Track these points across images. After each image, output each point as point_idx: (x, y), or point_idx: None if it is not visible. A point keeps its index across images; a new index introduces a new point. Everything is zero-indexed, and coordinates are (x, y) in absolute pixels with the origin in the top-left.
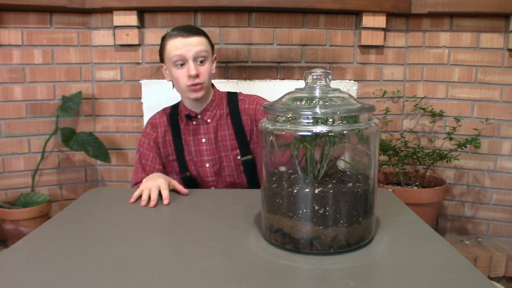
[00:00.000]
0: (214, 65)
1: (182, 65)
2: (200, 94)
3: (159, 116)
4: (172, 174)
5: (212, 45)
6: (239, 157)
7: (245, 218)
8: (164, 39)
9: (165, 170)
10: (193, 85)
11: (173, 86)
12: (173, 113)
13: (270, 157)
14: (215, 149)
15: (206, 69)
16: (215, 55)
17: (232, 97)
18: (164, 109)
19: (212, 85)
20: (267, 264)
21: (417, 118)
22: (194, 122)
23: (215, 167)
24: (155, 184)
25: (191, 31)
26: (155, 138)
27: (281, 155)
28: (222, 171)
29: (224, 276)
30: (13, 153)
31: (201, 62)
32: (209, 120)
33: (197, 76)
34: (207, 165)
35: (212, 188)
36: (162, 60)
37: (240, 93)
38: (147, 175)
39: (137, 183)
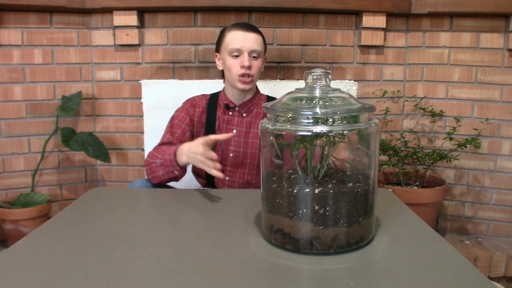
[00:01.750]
0: (264, 64)
1: (237, 56)
2: (248, 86)
3: (198, 99)
4: None
5: (265, 45)
6: None
7: (245, 218)
8: (224, 31)
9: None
10: (244, 76)
11: (222, 75)
12: (212, 99)
13: (270, 157)
14: (243, 143)
15: (258, 63)
16: (265, 56)
17: (271, 100)
18: (203, 95)
19: (256, 86)
20: (267, 264)
21: (417, 118)
22: (230, 113)
23: (237, 159)
24: (196, 154)
25: (251, 27)
26: (191, 115)
27: (281, 155)
28: (242, 166)
29: (224, 276)
30: (13, 153)
31: (254, 57)
32: (244, 114)
33: (249, 67)
34: (231, 154)
35: (227, 177)
36: (217, 50)
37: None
38: (174, 139)
39: (162, 144)
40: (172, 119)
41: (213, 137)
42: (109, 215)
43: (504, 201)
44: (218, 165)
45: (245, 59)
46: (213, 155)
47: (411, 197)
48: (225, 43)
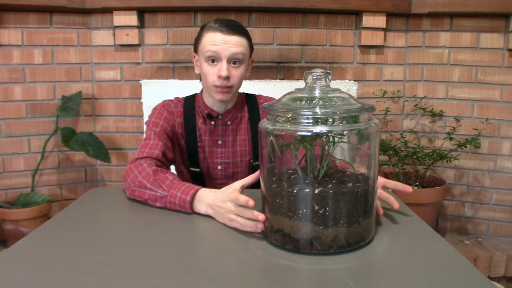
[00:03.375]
0: (249, 68)
1: (214, 61)
2: (225, 97)
3: (174, 105)
4: (181, 166)
5: (251, 48)
6: (251, 161)
7: None
8: (202, 29)
9: (173, 160)
10: (221, 86)
11: (200, 79)
12: (189, 105)
13: (270, 157)
14: (231, 153)
15: (238, 73)
16: (252, 59)
17: (252, 100)
18: (178, 99)
19: None
20: (267, 264)
21: (417, 118)
22: (213, 122)
23: (227, 171)
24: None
25: (233, 28)
26: (172, 125)
27: (281, 155)
28: (233, 176)
29: (224, 276)
30: (13, 153)
31: (235, 63)
32: (229, 123)
33: (227, 78)
34: (219, 167)
35: None
36: (195, 50)
37: (260, 95)
38: (163, 155)
39: (155, 160)
40: (152, 126)
41: (239, 184)
42: (109, 215)
43: (504, 201)
44: (262, 217)
45: (222, 68)
46: (249, 203)
47: (411, 197)
48: (202, 45)
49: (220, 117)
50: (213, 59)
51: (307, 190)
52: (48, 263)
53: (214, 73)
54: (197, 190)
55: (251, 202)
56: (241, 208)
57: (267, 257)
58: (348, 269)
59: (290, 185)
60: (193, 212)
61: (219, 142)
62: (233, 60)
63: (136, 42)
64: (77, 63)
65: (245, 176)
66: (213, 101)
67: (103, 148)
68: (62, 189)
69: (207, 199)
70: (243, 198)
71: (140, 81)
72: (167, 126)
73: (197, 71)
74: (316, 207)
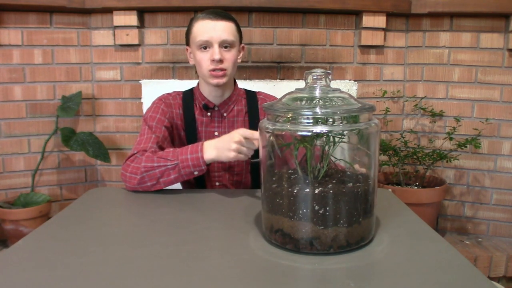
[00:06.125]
0: (241, 55)
1: (206, 48)
2: (222, 80)
3: (172, 98)
4: None
5: (240, 33)
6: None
7: (245, 218)
8: (191, 21)
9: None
10: (216, 70)
11: (196, 71)
12: (187, 97)
13: (270, 157)
14: None
15: (231, 55)
16: (242, 45)
17: (251, 95)
18: (176, 92)
19: (234, 80)
20: (267, 264)
21: (417, 118)
22: (209, 114)
23: (224, 163)
24: (234, 139)
25: (220, 14)
26: (169, 117)
27: (281, 155)
28: (230, 169)
29: (224, 276)
30: (13, 153)
31: (227, 48)
32: (225, 114)
33: (220, 61)
34: None
35: (217, 183)
36: (187, 42)
37: (260, 92)
38: (159, 147)
39: (142, 151)
40: (148, 121)
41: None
42: (109, 215)
43: (504, 201)
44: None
45: (215, 52)
46: (255, 135)
47: (411, 197)
48: (193, 35)
49: (216, 108)
50: (205, 46)
51: (307, 190)
52: (48, 263)
53: (207, 58)
54: (202, 144)
55: (257, 134)
56: (246, 139)
57: (267, 257)
58: (348, 269)
59: (290, 185)
60: (206, 169)
61: (216, 133)
62: (224, 44)
63: (136, 42)
64: (77, 63)
65: (242, 170)
66: (210, 91)
67: (103, 148)
68: (62, 189)
69: (212, 143)
70: (249, 130)
71: (140, 81)
72: (165, 118)
73: (191, 62)
74: (316, 207)
